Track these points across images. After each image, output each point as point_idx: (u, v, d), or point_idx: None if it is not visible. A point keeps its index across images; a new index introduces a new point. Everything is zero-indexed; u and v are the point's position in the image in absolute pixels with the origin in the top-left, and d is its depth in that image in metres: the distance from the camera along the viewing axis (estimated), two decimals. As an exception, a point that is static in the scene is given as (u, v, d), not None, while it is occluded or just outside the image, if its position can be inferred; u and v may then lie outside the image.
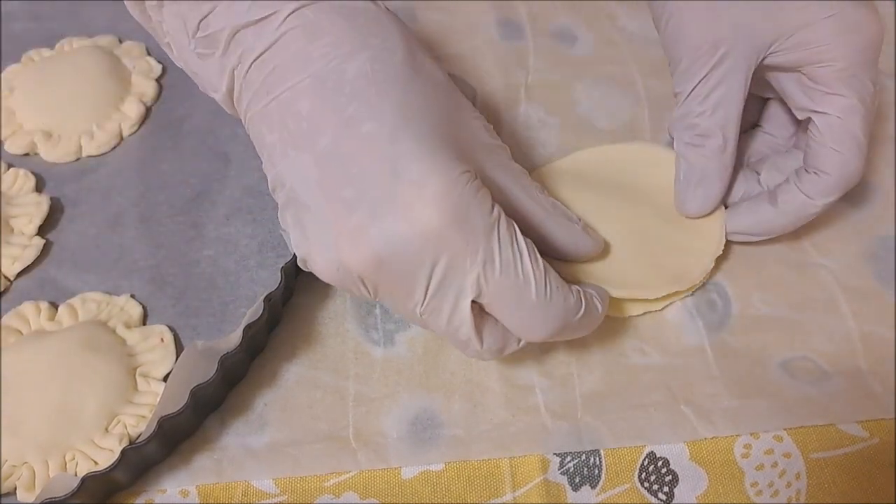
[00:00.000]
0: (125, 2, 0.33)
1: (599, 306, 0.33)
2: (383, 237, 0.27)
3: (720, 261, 0.39)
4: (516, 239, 0.29)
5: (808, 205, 0.36)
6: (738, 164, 0.39)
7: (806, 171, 0.36)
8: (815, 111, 0.35)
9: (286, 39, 0.29)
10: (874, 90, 0.35)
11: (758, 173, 0.39)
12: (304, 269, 0.30)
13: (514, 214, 0.31)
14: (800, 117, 0.37)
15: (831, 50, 0.34)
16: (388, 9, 0.31)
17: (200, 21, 0.30)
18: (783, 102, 0.39)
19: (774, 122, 0.41)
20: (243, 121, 0.32)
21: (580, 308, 0.31)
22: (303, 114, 0.29)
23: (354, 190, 0.28)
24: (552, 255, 0.34)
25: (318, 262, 0.29)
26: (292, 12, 0.29)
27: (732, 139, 0.37)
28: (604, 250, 0.36)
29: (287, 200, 0.30)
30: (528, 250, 0.29)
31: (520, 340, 0.31)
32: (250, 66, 0.30)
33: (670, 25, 0.38)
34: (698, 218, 0.38)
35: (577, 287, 0.32)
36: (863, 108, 0.35)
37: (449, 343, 0.34)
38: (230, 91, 0.31)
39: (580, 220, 0.35)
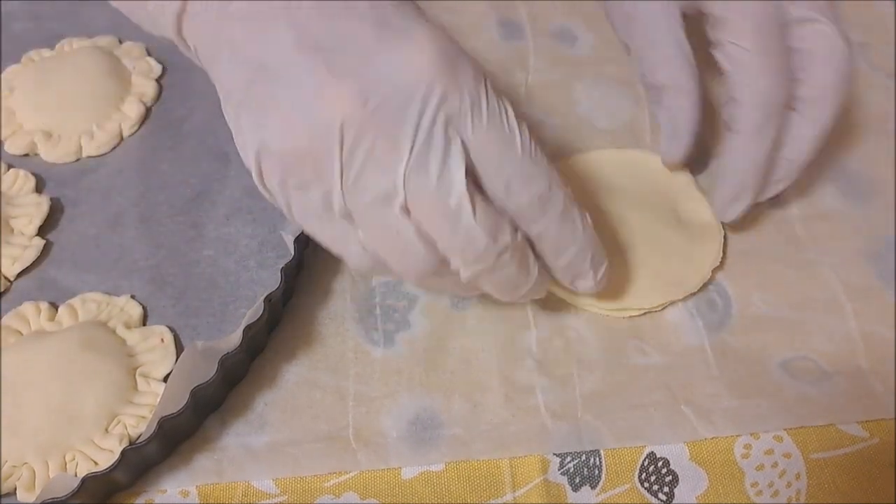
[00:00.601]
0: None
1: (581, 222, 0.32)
2: (371, 76, 0.26)
3: (721, 261, 0.39)
4: (500, 95, 0.29)
5: (735, 140, 0.36)
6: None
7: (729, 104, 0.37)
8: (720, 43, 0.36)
9: None
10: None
11: None
12: (257, 181, 0.29)
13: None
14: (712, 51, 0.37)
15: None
16: None
17: None
18: None
19: None
20: (187, 39, 0.30)
21: (562, 183, 0.30)
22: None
23: (336, 41, 0.26)
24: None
25: (286, 130, 0.27)
26: None
27: (689, 84, 0.37)
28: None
29: (248, 91, 0.28)
30: (513, 111, 0.29)
31: (516, 230, 0.29)
32: None
33: (613, 12, 0.41)
34: (697, 226, 0.39)
35: None
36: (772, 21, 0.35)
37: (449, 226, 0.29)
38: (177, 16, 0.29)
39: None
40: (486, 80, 0.28)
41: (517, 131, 0.29)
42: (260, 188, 0.30)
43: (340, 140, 0.26)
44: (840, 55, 0.35)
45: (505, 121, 0.28)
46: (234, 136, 0.30)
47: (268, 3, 0.27)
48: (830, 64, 0.36)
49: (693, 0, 0.37)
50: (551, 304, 0.37)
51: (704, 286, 0.38)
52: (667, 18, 0.37)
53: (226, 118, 0.30)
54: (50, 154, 0.42)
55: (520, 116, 0.29)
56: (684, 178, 0.41)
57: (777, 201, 0.41)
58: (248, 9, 0.28)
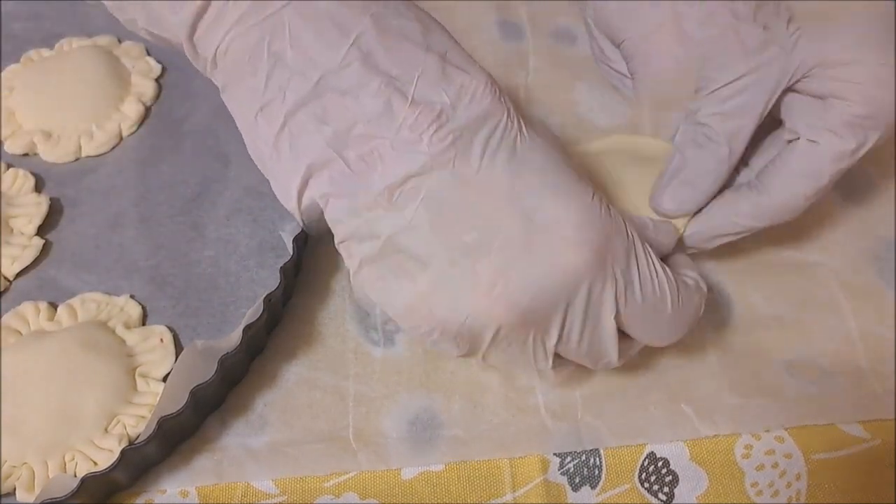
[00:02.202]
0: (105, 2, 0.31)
1: (704, 287, 0.32)
2: (524, 285, 0.26)
3: (721, 261, 0.39)
4: (650, 255, 0.28)
5: (733, 222, 0.35)
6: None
7: (749, 189, 0.35)
8: (809, 138, 0.34)
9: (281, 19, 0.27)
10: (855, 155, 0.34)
11: None
12: (402, 323, 0.28)
13: None
14: (787, 137, 0.35)
15: (861, 94, 0.33)
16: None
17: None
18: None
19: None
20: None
21: (702, 302, 0.31)
22: (411, 153, 0.27)
23: (478, 234, 0.26)
24: None
25: (439, 312, 0.27)
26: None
27: (737, 153, 0.35)
28: None
29: (381, 250, 0.27)
30: (662, 264, 0.29)
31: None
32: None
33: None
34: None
35: (691, 273, 0.32)
36: (844, 161, 0.34)
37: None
38: None
39: (649, 222, 0.33)
40: (635, 247, 0.28)
41: (667, 291, 0.29)
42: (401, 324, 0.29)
43: (493, 336, 0.27)
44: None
45: (656, 286, 0.29)
46: (351, 270, 0.29)
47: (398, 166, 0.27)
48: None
49: (811, 97, 0.35)
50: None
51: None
52: (772, 81, 0.35)
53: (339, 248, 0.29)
54: (49, 154, 0.42)
55: (667, 270, 0.29)
56: None
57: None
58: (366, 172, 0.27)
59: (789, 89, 0.35)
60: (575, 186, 0.27)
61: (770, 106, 0.35)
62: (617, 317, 0.28)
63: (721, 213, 0.35)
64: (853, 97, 0.33)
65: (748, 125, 0.35)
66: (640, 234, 0.30)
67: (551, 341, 0.28)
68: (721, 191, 0.36)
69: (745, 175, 0.37)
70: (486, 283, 0.26)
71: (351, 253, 0.28)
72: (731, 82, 0.34)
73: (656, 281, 0.29)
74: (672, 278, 0.30)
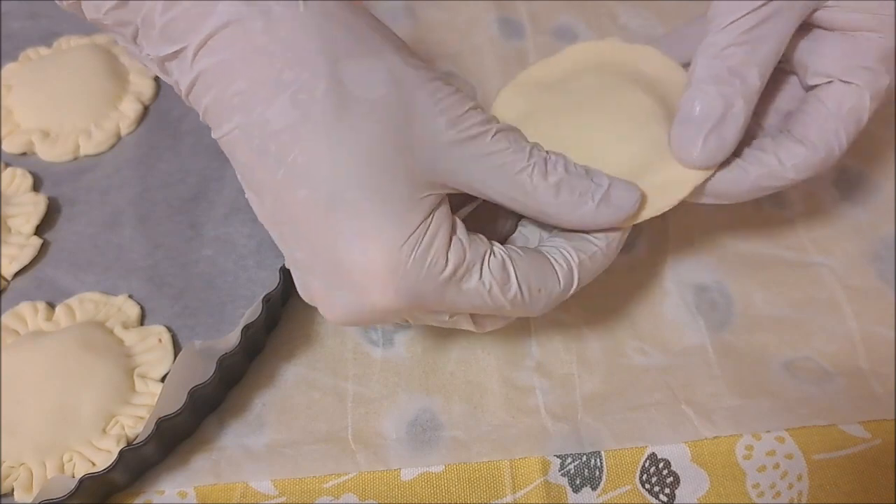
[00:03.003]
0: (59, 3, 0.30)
1: (608, 255, 0.30)
2: (345, 307, 0.28)
3: (721, 261, 0.39)
4: (482, 277, 0.28)
5: (777, 173, 0.32)
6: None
7: (787, 138, 0.33)
8: (841, 79, 0.32)
9: (204, 81, 0.27)
10: (890, 91, 0.33)
11: None
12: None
13: (509, 207, 0.30)
14: (812, 82, 0.33)
15: (893, 25, 0.31)
16: None
17: (134, 39, 0.28)
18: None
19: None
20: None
21: (572, 281, 0.30)
22: (242, 165, 0.28)
23: (306, 256, 0.28)
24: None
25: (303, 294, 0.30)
26: (200, 47, 0.26)
27: (762, 87, 0.31)
28: (620, 155, 0.32)
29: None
30: (495, 281, 0.28)
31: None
32: (187, 98, 0.28)
33: None
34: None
35: (572, 257, 0.30)
36: (881, 98, 0.32)
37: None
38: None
39: (602, 186, 0.29)
40: (454, 279, 0.28)
41: (504, 301, 0.29)
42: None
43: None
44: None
45: (488, 300, 0.28)
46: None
47: (238, 167, 0.28)
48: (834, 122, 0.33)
49: (834, 30, 0.33)
50: (551, 304, 0.37)
51: (706, 287, 0.38)
52: (798, 5, 0.31)
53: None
54: (47, 153, 0.42)
55: (507, 280, 0.28)
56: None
57: (778, 202, 0.41)
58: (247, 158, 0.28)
59: (812, 24, 0.33)
60: (388, 227, 0.26)
61: (790, 34, 0.32)
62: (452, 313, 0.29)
63: (757, 167, 0.32)
64: (886, 30, 0.31)
65: (773, 57, 0.31)
66: (566, 221, 0.29)
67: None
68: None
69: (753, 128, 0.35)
70: (316, 296, 0.29)
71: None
72: (755, 9, 0.31)
73: (487, 297, 0.28)
74: (515, 285, 0.28)
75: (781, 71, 0.34)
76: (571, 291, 0.30)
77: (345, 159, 0.26)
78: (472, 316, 0.30)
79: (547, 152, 0.29)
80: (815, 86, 0.33)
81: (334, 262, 0.27)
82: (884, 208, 0.41)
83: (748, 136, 0.32)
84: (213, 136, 0.28)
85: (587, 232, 0.30)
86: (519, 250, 0.29)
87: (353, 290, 0.27)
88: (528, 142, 0.29)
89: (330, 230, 0.26)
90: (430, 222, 0.27)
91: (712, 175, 0.32)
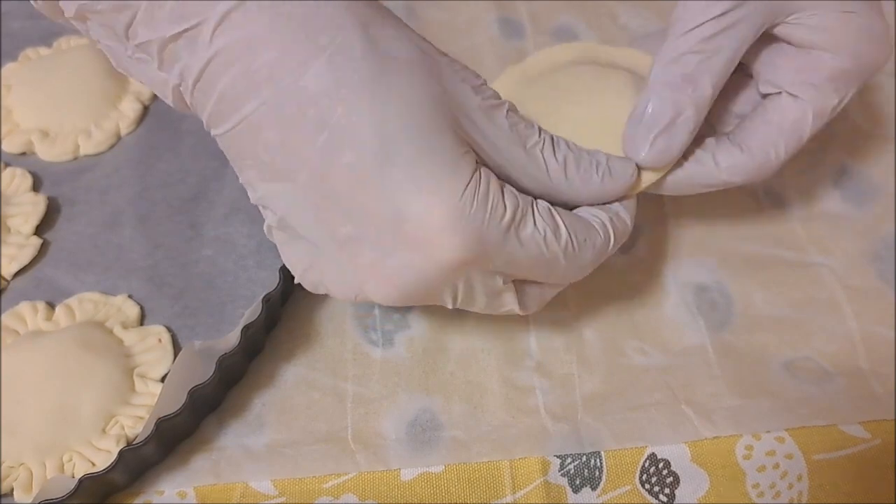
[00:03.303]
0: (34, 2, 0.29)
1: (628, 221, 0.31)
2: (401, 274, 0.27)
3: (721, 260, 0.39)
4: (536, 224, 0.28)
5: (712, 174, 0.33)
6: None
7: (729, 142, 0.33)
8: (790, 93, 0.33)
9: (222, 60, 0.25)
10: (834, 111, 0.33)
11: None
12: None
13: (519, 181, 0.30)
14: (763, 90, 0.34)
15: (848, 47, 0.32)
16: None
17: (127, 29, 0.26)
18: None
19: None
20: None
21: (609, 243, 0.30)
22: (271, 146, 0.26)
23: (354, 227, 0.27)
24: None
25: (332, 291, 0.30)
26: (220, 21, 0.25)
27: (714, 96, 0.32)
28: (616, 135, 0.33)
29: (279, 224, 0.28)
30: (548, 227, 0.28)
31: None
32: (193, 88, 0.26)
33: None
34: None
35: (602, 215, 0.31)
36: (825, 117, 0.33)
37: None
38: (182, 102, 0.28)
39: (602, 162, 0.31)
40: (514, 226, 0.27)
41: (557, 250, 0.29)
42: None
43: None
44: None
45: (544, 250, 0.28)
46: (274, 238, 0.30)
47: (264, 151, 0.27)
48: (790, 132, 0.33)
49: (792, 45, 0.33)
50: (551, 303, 0.37)
51: (706, 287, 0.38)
52: (758, 18, 0.32)
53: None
54: (47, 153, 0.42)
55: (557, 229, 0.29)
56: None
57: (778, 202, 0.41)
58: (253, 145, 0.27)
59: (770, 35, 0.33)
60: (447, 178, 0.26)
61: (747, 45, 0.32)
62: (512, 278, 0.29)
63: (696, 166, 0.33)
64: (841, 50, 0.32)
65: (726, 68, 0.32)
66: (575, 196, 0.30)
67: (447, 303, 0.29)
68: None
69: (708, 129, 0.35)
70: (368, 271, 0.27)
71: (264, 215, 0.29)
72: (714, 17, 0.31)
73: (543, 245, 0.28)
74: (565, 231, 0.29)
75: (742, 75, 0.35)
76: (611, 247, 0.31)
77: (391, 115, 0.25)
78: (519, 290, 0.30)
79: (550, 134, 0.30)
80: (767, 95, 0.34)
81: (392, 222, 0.26)
82: (884, 208, 0.41)
83: (699, 138, 0.33)
84: (223, 128, 0.27)
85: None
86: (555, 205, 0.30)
87: (417, 248, 0.26)
88: (534, 121, 0.30)
89: (383, 188, 0.26)
90: (481, 172, 0.27)
91: (665, 175, 0.33)
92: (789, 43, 0.33)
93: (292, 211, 0.27)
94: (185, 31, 0.25)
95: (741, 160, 0.33)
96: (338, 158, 0.25)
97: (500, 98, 0.29)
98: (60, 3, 0.27)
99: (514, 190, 0.28)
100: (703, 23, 0.31)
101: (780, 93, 0.33)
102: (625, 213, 0.31)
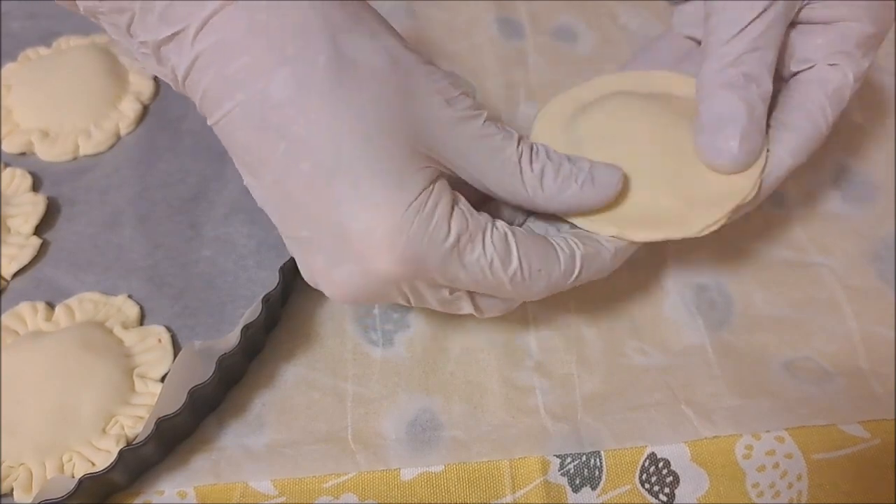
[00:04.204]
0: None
1: (608, 258, 0.31)
2: (346, 282, 0.28)
3: (721, 260, 0.39)
4: (484, 249, 0.28)
5: (780, 164, 0.33)
6: None
7: (774, 126, 0.34)
8: (825, 63, 0.34)
9: (203, 60, 0.27)
10: (864, 74, 0.35)
11: None
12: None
13: (495, 193, 0.30)
14: (795, 68, 0.35)
15: (869, 13, 0.34)
16: None
17: (128, 28, 0.28)
18: None
19: None
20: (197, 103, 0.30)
21: (574, 268, 0.30)
22: (242, 145, 0.28)
23: (309, 231, 0.28)
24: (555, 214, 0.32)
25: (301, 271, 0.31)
26: (201, 27, 0.26)
27: (771, 85, 0.33)
28: (628, 189, 0.33)
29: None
30: (496, 254, 0.28)
31: None
32: (183, 83, 0.28)
33: None
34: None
35: (573, 245, 0.31)
36: (860, 80, 0.34)
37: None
38: (182, 91, 0.30)
39: (584, 169, 0.31)
40: (458, 247, 0.28)
41: (503, 275, 0.29)
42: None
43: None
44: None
45: (488, 275, 0.29)
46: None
47: (237, 149, 0.28)
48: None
49: (819, 24, 0.35)
50: (551, 303, 0.37)
51: (706, 287, 0.38)
52: (792, 6, 0.34)
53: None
54: (47, 153, 0.42)
55: (507, 254, 0.29)
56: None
57: (778, 202, 0.41)
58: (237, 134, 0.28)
59: (796, 21, 0.35)
60: (391, 195, 0.26)
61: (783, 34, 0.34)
62: (452, 290, 0.29)
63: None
64: (863, 18, 0.34)
65: (775, 56, 0.33)
66: (552, 206, 0.30)
67: (404, 303, 0.30)
68: None
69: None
70: (320, 274, 0.29)
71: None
72: (759, 15, 0.32)
73: (488, 271, 0.28)
74: (516, 261, 0.29)
75: None
76: (571, 280, 0.31)
77: (345, 127, 0.26)
78: (473, 298, 0.30)
79: (531, 142, 0.30)
80: (797, 73, 0.35)
81: (337, 232, 0.27)
82: (884, 208, 0.41)
83: None
84: (211, 121, 0.28)
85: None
86: (522, 230, 0.30)
87: (357, 259, 0.27)
88: (513, 130, 0.30)
89: (332, 199, 0.26)
90: (433, 190, 0.27)
91: (760, 178, 0.33)
92: (813, 23, 0.34)
93: (264, 205, 0.29)
94: (173, 34, 0.27)
95: (796, 139, 0.33)
96: (295, 166, 0.27)
97: (477, 109, 0.29)
98: (77, 1, 0.29)
99: (467, 211, 0.28)
100: (751, 21, 0.32)
101: (814, 65, 0.34)
102: (608, 250, 0.31)
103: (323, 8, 0.27)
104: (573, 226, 0.32)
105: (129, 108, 0.44)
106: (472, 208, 0.29)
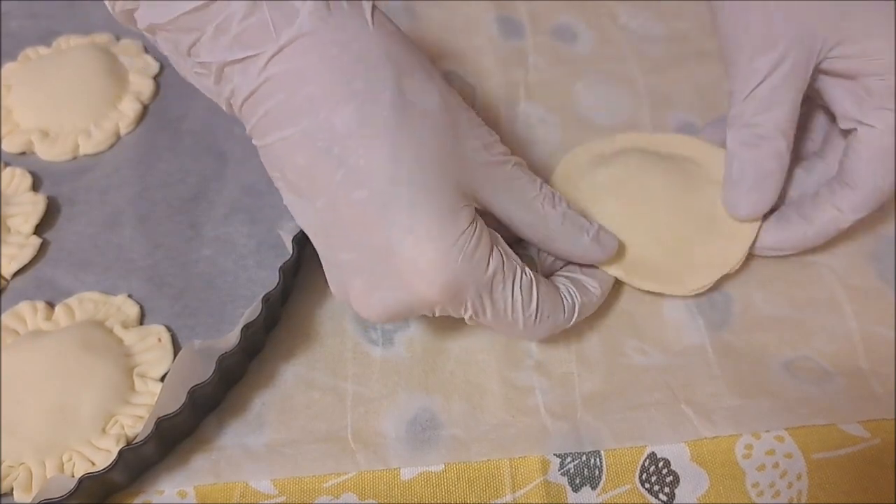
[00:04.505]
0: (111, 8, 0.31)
1: (595, 299, 0.35)
2: (385, 303, 0.30)
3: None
4: (512, 288, 0.31)
5: (839, 219, 0.36)
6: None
7: (839, 184, 0.36)
8: (863, 123, 0.35)
9: (271, 86, 0.28)
10: None
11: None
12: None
13: (519, 230, 0.33)
14: (842, 126, 0.36)
15: (889, 66, 0.34)
16: (381, 16, 0.30)
17: (190, 48, 0.29)
18: (818, 107, 0.39)
19: (804, 125, 0.40)
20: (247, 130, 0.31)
21: (572, 317, 0.34)
22: (299, 168, 0.29)
23: (354, 255, 0.29)
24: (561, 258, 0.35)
25: (332, 289, 0.32)
26: (275, 54, 0.28)
27: (790, 142, 0.36)
28: (637, 239, 0.37)
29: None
30: (522, 297, 0.31)
31: None
32: (242, 104, 0.29)
33: (729, 24, 0.38)
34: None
35: (575, 293, 0.34)
36: None
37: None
38: (231, 110, 0.31)
39: (594, 227, 0.34)
40: (492, 284, 0.30)
41: (521, 317, 0.32)
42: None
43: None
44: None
45: (509, 314, 0.31)
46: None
47: (292, 171, 0.29)
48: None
49: (844, 78, 0.36)
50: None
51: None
52: (801, 66, 0.36)
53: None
54: (47, 152, 0.42)
55: (528, 299, 0.31)
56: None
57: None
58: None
59: (821, 71, 0.36)
60: (441, 227, 0.29)
61: (804, 88, 0.36)
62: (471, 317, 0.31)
63: (824, 217, 0.36)
64: (885, 71, 0.34)
65: (793, 114, 0.36)
66: (565, 248, 0.33)
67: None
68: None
69: (809, 169, 0.39)
70: (357, 294, 0.30)
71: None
72: (766, 77, 0.35)
73: (510, 310, 0.31)
74: (535, 306, 0.32)
75: (807, 101, 0.37)
76: (567, 326, 0.34)
77: (404, 162, 0.28)
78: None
79: (551, 190, 0.33)
80: (849, 130, 0.36)
81: (385, 259, 0.29)
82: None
83: (815, 195, 0.37)
84: (263, 142, 0.29)
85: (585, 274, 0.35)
86: (544, 279, 0.33)
87: (401, 285, 0.29)
88: (537, 176, 0.33)
89: (384, 229, 0.28)
90: (476, 227, 0.30)
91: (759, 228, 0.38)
92: (837, 76, 0.36)
93: (307, 226, 0.31)
94: (245, 58, 0.28)
95: (857, 198, 0.36)
96: (351, 194, 0.28)
97: (508, 155, 0.32)
98: (135, 14, 0.30)
99: (504, 252, 0.31)
100: (757, 85, 0.36)
101: (857, 127, 0.36)
102: (597, 297, 0.35)
103: (388, 46, 0.29)
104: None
105: (129, 108, 0.44)
106: (508, 248, 0.31)
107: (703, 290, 0.37)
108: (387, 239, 0.28)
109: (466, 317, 0.31)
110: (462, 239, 0.29)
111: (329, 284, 0.32)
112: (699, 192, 0.38)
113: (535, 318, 0.32)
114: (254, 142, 0.30)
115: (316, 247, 0.31)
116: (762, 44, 0.36)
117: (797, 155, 0.39)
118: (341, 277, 0.31)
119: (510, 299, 0.31)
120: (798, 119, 0.37)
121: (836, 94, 0.36)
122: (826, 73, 0.36)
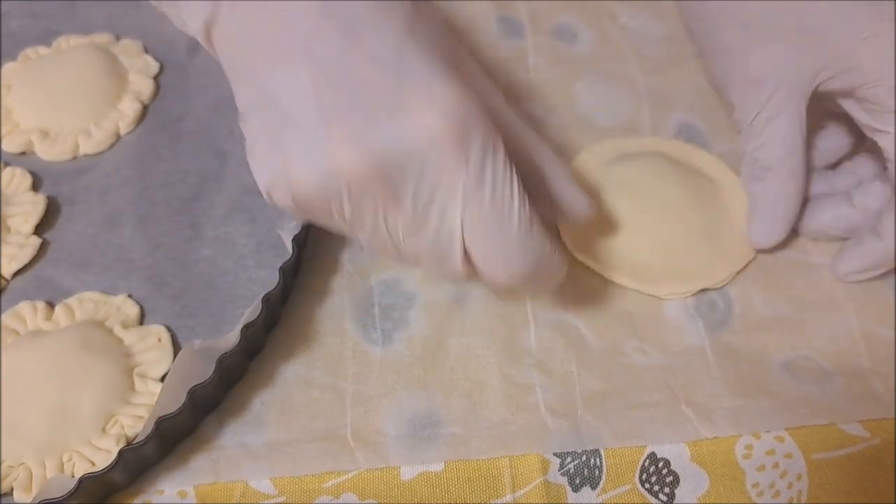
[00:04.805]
0: None
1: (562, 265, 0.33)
2: (382, 138, 0.26)
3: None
4: (509, 168, 0.28)
5: (887, 255, 0.36)
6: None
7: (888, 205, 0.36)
8: (879, 130, 0.36)
9: None
10: None
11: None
12: (267, 200, 0.29)
13: (511, 155, 0.30)
14: (868, 134, 0.37)
15: (877, 70, 0.35)
16: None
17: None
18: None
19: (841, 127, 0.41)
20: (214, 46, 0.30)
21: (555, 256, 0.31)
22: (299, 22, 0.27)
23: (351, 96, 0.27)
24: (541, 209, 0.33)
25: (296, 173, 0.27)
26: None
27: (797, 170, 0.37)
28: (632, 238, 0.38)
29: (263, 118, 0.28)
30: (518, 183, 0.28)
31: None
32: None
33: (718, 66, 0.40)
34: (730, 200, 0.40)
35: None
36: None
37: (431, 270, 0.32)
38: (208, 42, 0.29)
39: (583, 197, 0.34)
40: (495, 150, 0.27)
41: (517, 207, 0.28)
42: (268, 201, 0.30)
43: (348, 195, 0.27)
44: None
45: (507, 197, 0.28)
46: (247, 153, 0.30)
47: (290, 34, 0.27)
48: None
49: (846, 96, 0.37)
50: (551, 302, 0.37)
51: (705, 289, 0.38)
52: (793, 97, 0.37)
53: (242, 130, 0.30)
54: (47, 152, 0.42)
55: (522, 192, 0.29)
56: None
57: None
58: (269, 38, 0.28)
59: (823, 93, 0.37)
60: (455, 74, 0.27)
61: (803, 115, 0.37)
62: (462, 220, 0.28)
63: (877, 246, 0.36)
64: (880, 78, 0.35)
65: (794, 142, 0.37)
66: (555, 191, 0.32)
67: (399, 216, 0.28)
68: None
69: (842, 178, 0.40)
70: (346, 135, 0.26)
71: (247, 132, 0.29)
72: (762, 109, 0.37)
73: (508, 191, 0.28)
74: (527, 204, 0.29)
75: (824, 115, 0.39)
76: (555, 271, 0.32)
77: (418, 30, 0.27)
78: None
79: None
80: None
81: (391, 92, 0.26)
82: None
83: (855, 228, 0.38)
84: (253, 7, 0.28)
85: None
86: None
87: (406, 112, 0.26)
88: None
89: (394, 69, 0.27)
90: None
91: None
92: (842, 94, 0.37)
93: (290, 89, 0.27)
94: None
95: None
96: (362, 42, 0.27)
97: (497, 89, 0.32)
98: None
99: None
100: (755, 116, 0.37)
101: (876, 137, 0.36)
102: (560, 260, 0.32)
103: None
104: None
105: (128, 108, 0.44)
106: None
107: (675, 297, 0.38)
108: (397, 77, 0.26)
109: (461, 195, 0.27)
110: (474, 95, 0.27)
111: (272, 161, 0.28)
112: (705, 209, 0.39)
113: (530, 219, 0.29)
114: (226, 25, 0.29)
115: (292, 110, 0.27)
116: (749, 81, 0.37)
117: (825, 164, 0.41)
118: (317, 130, 0.27)
119: (508, 178, 0.28)
120: (820, 130, 0.38)
121: (849, 108, 0.37)
122: (828, 93, 0.37)
